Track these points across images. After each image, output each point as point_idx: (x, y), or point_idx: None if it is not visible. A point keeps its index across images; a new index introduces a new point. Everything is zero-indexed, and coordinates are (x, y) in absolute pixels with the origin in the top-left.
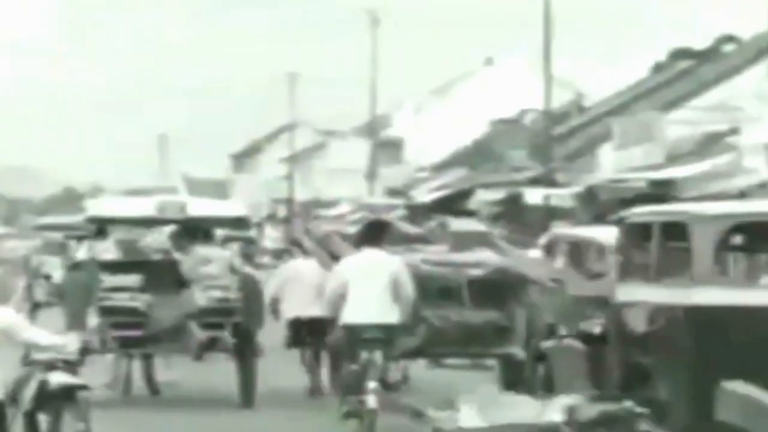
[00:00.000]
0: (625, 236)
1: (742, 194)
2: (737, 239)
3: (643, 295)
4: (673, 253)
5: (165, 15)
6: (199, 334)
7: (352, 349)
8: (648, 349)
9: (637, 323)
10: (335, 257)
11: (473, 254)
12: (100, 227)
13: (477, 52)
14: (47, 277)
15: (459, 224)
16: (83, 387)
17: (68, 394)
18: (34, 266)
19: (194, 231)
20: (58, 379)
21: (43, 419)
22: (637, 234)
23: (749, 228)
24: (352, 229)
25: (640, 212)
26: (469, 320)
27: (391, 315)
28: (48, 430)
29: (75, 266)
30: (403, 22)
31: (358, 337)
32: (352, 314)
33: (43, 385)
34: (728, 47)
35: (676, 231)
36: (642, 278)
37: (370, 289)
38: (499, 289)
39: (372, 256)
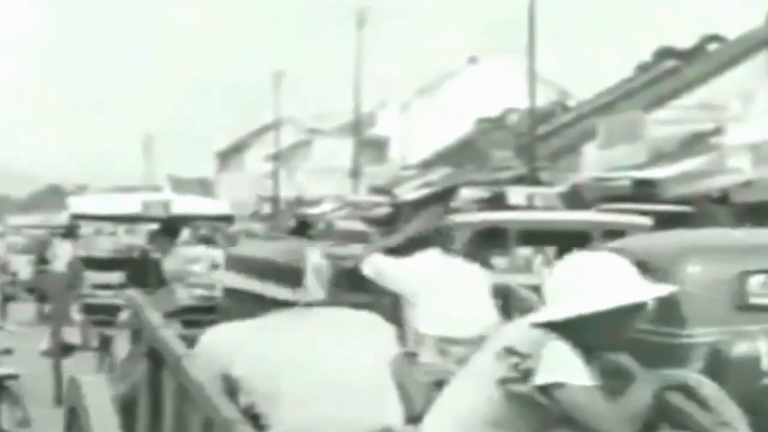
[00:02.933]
0: None
1: (725, 193)
2: (489, 239)
3: None
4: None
5: (150, 13)
6: (181, 332)
7: None
8: None
9: None
10: None
11: (347, 249)
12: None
13: (461, 51)
14: (14, 274)
15: (342, 224)
16: (13, 376)
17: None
18: (3, 263)
19: (176, 230)
20: None
21: None
22: None
23: (497, 230)
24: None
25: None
26: (344, 301)
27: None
28: None
29: (52, 263)
30: (389, 20)
31: None
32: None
33: None
34: (713, 46)
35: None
36: None
37: None
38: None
39: None
